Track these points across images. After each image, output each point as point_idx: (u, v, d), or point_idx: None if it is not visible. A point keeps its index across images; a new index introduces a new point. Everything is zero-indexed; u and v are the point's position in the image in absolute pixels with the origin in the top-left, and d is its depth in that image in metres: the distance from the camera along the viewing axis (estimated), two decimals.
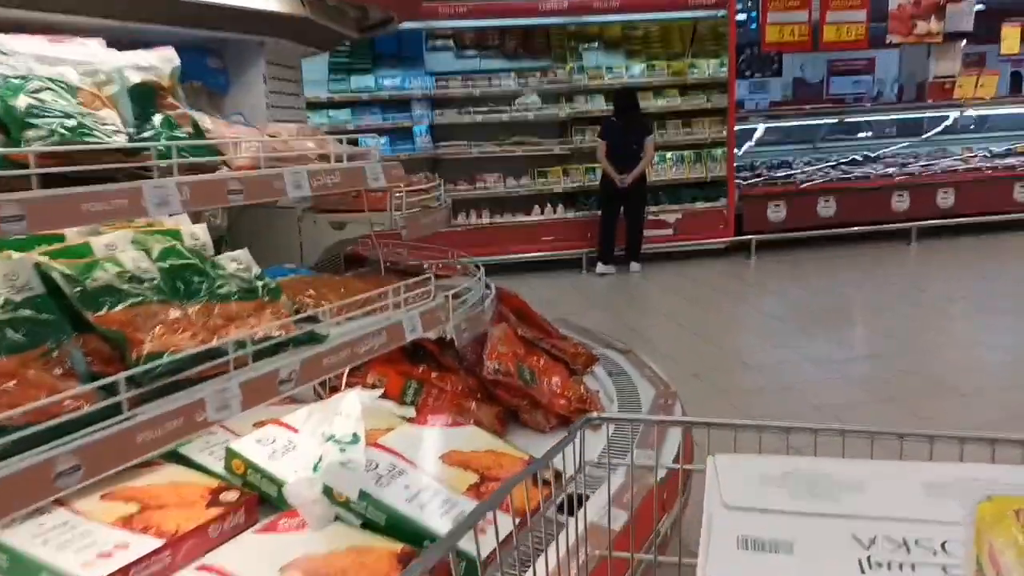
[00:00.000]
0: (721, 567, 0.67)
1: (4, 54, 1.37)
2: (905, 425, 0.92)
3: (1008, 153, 9.24)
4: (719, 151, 8.54)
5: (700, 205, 8.51)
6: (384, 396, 2.04)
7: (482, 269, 2.51)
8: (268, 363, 1.47)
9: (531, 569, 1.04)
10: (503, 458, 1.75)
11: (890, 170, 8.88)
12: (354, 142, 2.19)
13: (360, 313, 1.85)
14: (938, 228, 8.71)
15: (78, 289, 1.28)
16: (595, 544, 1.11)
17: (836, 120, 9.45)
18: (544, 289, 7.37)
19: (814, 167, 9.07)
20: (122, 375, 1.18)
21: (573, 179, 8.45)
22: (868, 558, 0.67)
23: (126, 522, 1.37)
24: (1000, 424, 3.70)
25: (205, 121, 1.69)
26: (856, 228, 8.64)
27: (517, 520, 1.25)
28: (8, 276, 1.25)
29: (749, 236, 8.49)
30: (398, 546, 1.39)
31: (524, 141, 8.36)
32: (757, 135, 9.14)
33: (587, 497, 1.48)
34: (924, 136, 9.84)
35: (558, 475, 1.24)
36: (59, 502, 1.37)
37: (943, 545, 0.67)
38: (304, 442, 1.62)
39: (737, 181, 8.59)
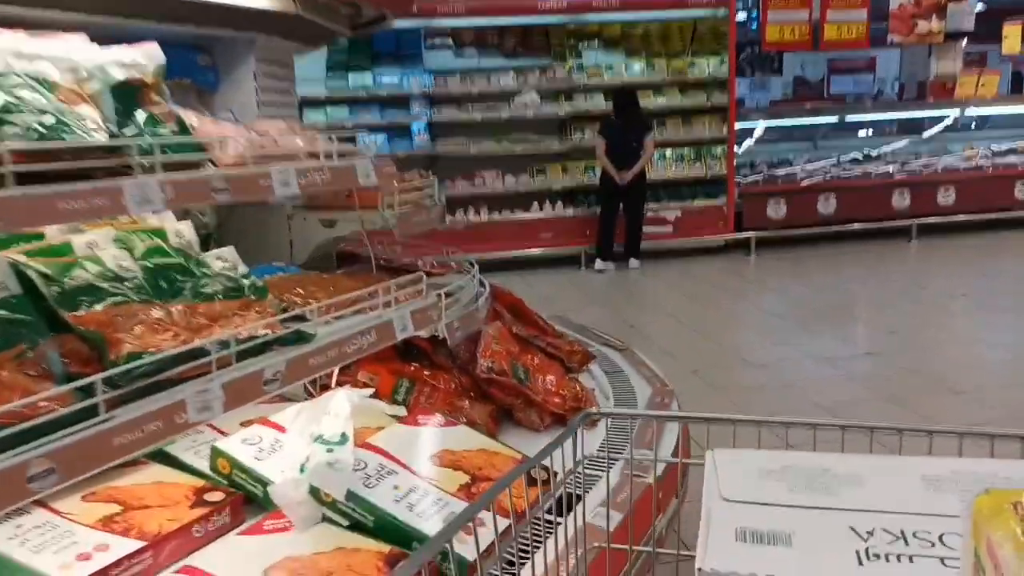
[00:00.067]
0: (720, 558, 0.66)
1: None
2: (906, 422, 0.91)
3: (1009, 151, 9.21)
4: (719, 149, 8.55)
5: (700, 202, 8.52)
6: (375, 394, 2.02)
7: (476, 267, 2.49)
8: (252, 363, 1.45)
9: (530, 562, 1.03)
10: (495, 458, 1.73)
11: (890, 168, 8.86)
12: (352, 140, 2.17)
13: (350, 312, 1.83)
14: (939, 226, 8.69)
15: (56, 289, 1.26)
16: (592, 540, 1.10)
17: (837, 119, 9.43)
18: (543, 286, 7.37)
19: (814, 165, 9.04)
20: (98, 376, 1.16)
21: (572, 176, 8.45)
22: (866, 550, 0.67)
23: (107, 523, 1.35)
24: (1000, 422, 3.68)
25: (191, 118, 1.67)
26: (857, 225, 8.63)
27: (510, 520, 1.23)
28: None
29: (749, 233, 8.48)
30: (386, 548, 1.37)
31: (523, 139, 8.35)
32: (757, 134, 9.13)
33: (585, 492, 1.47)
34: (925, 135, 9.81)
35: (553, 474, 1.22)
36: (39, 503, 1.35)
37: (941, 537, 0.67)
38: (291, 442, 1.59)
39: (737, 179, 8.58)
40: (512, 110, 8.22)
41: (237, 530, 1.45)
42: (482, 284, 2.43)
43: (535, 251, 8.23)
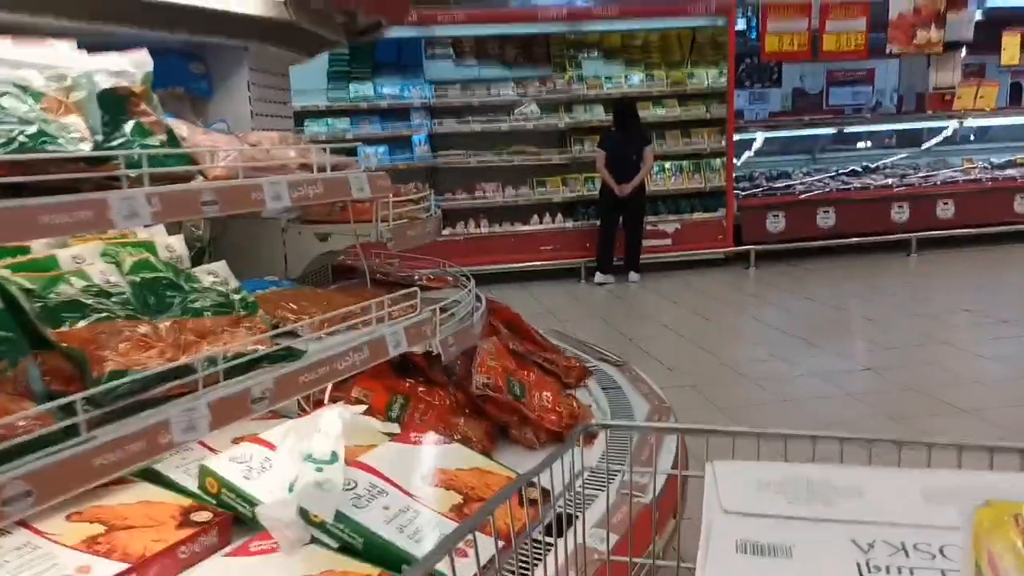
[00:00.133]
0: (720, 570, 0.67)
1: None
2: (905, 438, 0.90)
3: (1008, 164, 9.20)
4: (718, 161, 8.54)
5: (699, 215, 8.51)
6: (369, 411, 1.98)
7: (472, 281, 2.46)
8: (239, 381, 1.41)
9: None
10: (489, 477, 1.69)
11: (889, 181, 8.86)
12: (353, 151, 2.14)
13: (343, 327, 1.80)
14: (938, 239, 8.67)
15: (39, 304, 1.23)
16: (590, 556, 1.08)
17: (835, 131, 9.43)
18: (543, 298, 7.34)
19: (813, 178, 9.03)
20: (79, 395, 1.13)
21: (572, 189, 8.44)
22: (867, 562, 0.67)
23: (90, 544, 1.31)
24: (1000, 437, 3.64)
25: (181, 129, 1.64)
26: (856, 239, 8.61)
27: (504, 540, 1.20)
28: None
29: (748, 246, 8.47)
30: (376, 571, 1.34)
31: (523, 151, 8.34)
32: (756, 145, 9.13)
33: (585, 509, 1.43)
34: (923, 147, 9.81)
35: (547, 493, 1.19)
36: (22, 523, 1.31)
37: (942, 550, 0.67)
38: (281, 460, 1.56)
39: (736, 191, 8.57)
40: (512, 122, 8.22)
41: (222, 552, 1.42)
42: (478, 298, 2.40)
43: (535, 264, 8.21)
